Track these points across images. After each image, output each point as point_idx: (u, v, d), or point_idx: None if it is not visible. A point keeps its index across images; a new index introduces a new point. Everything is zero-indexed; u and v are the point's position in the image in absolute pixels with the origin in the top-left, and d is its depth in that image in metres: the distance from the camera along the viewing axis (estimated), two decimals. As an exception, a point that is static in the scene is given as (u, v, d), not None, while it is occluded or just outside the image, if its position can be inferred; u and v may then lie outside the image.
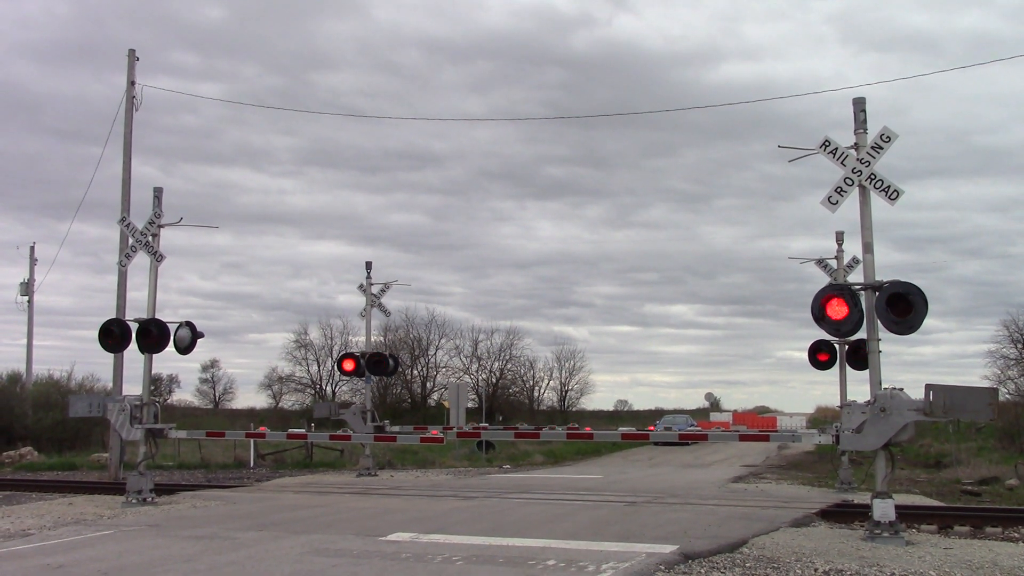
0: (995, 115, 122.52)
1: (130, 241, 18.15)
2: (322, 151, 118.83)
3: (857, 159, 12.52)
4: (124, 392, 22.91)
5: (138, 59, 25.89)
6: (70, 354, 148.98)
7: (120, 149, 25.80)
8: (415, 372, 70.27)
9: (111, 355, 23.05)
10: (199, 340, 17.67)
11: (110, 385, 26.72)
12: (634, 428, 66.68)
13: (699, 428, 57.04)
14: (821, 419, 68.99)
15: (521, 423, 53.46)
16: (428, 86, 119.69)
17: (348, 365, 26.12)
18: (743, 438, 14.25)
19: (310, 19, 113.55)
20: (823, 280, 21.58)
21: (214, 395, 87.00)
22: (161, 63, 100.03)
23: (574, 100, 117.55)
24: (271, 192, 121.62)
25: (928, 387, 11.74)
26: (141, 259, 18.41)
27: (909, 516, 14.20)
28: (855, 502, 16.87)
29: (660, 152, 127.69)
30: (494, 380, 71.62)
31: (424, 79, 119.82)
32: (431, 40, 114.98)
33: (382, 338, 63.84)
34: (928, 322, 12.10)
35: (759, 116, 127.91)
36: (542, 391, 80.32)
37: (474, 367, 72.82)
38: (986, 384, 46.95)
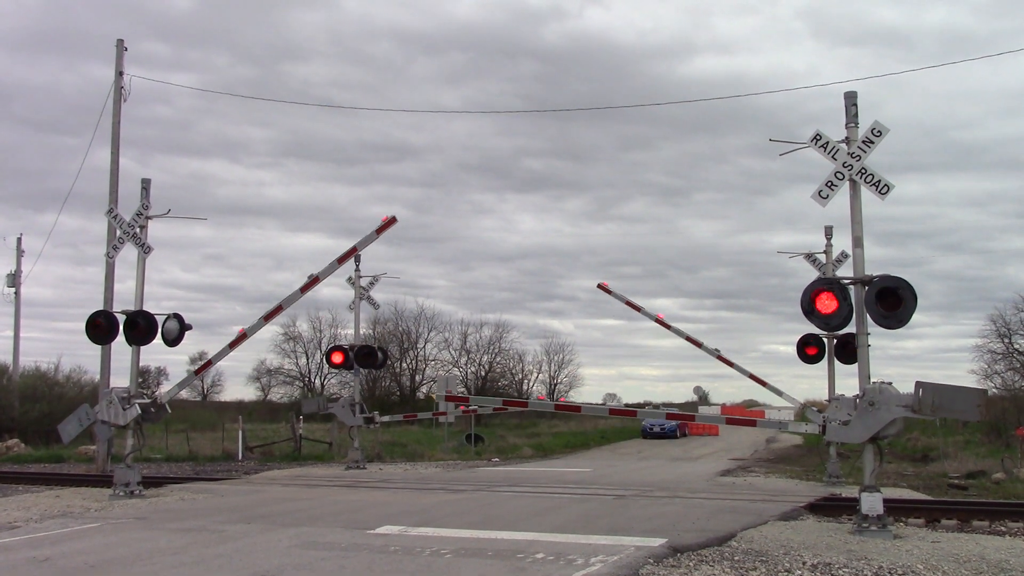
0: (970, 111, 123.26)
1: (118, 233, 18.03)
2: (298, 143, 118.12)
3: (848, 153, 12.53)
4: (112, 384, 22.81)
5: (126, 49, 25.72)
6: (53, 346, 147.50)
7: (98, 140, 25.80)
8: (404, 365, 70.08)
9: (98, 347, 22.93)
10: (187, 332, 17.58)
11: (97, 377, 26.64)
12: (621, 419, 66.74)
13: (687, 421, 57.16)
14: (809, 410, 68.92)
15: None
16: (401, 78, 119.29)
17: (337, 358, 26.09)
18: (729, 421, 14.28)
19: (280, 9, 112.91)
20: (807, 274, 21.73)
21: (202, 387, 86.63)
22: (131, 53, 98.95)
23: (549, 92, 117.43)
24: (249, 184, 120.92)
25: (918, 384, 11.77)
26: (124, 251, 18.33)
27: (897, 510, 14.26)
28: (843, 496, 16.92)
29: (638, 145, 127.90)
30: (483, 373, 71.50)
31: (397, 70, 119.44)
32: (403, 31, 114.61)
33: (371, 331, 63.67)
34: (913, 317, 12.13)
35: (735, 110, 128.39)
36: (531, 384, 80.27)
37: (463, 360, 72.71)
38: (973, 379, 47.28)
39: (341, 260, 17.96)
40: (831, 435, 12.71)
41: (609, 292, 22.95)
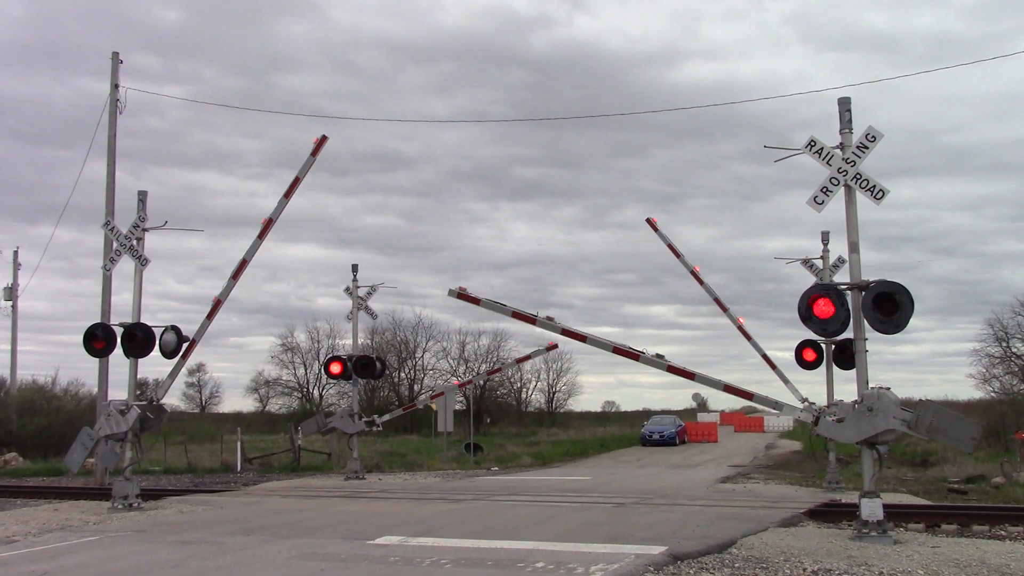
0: (959, 115, 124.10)
1: (114, 245, 18.03)
2: (290, 152, 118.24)
3: (843, 159, 12.55)
4: (110, 397, 22.75)
5: (122, 62, 25.73)
6: (49, 359, 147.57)
7: (93, 152, 25.88)
8: (402, 375, 69.96)
9: (96, 360, 22.86)
10: (184, 344, 17.57)
11: (95, 390, 26.57)
12: (620, 429, 66.69)
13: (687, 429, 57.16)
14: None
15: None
16: (391, 87, 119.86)
17: (335, 368, 26.07)
18: (727, 389, 14.12)
19: (268, 20, 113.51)
20: (802, 279, 21.75)
21: (200, 399, 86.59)
22: (123, 66, 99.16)
23: (540, 100, 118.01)
24: (242, 195, 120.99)
25: (921, 403, 11.87)
26: (120, 263, 18.33)
27: (897, 515, 14.25)
28: (843, 501, 16.92)
29: (630, 152, 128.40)
30: (482, 382, 71.48)
31: (387, 80, 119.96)
32: (391, 41, 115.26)
33: (369, 341, 63.61)
34: (910, 322, 12.15)
35: (727, 116, 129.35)
36: (530, 393, 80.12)
37: (461, 369, 72.63)
38: (971, 383, 47.38)
39: (287, 195, 18.32)
40: (822, 429, 12.73)
41: (656, 230, 22.56)
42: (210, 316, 17.74)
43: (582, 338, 15.18)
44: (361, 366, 25.84)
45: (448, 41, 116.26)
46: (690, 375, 14.56)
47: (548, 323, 15.17)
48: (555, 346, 26.90)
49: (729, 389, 14.28)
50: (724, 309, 22.19)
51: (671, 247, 22.38)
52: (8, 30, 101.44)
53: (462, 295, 15.57)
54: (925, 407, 11.77)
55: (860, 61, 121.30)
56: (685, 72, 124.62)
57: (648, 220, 22.78)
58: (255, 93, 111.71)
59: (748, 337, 21.86)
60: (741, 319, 22.07)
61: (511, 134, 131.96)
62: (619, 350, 14.66)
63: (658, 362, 14.51)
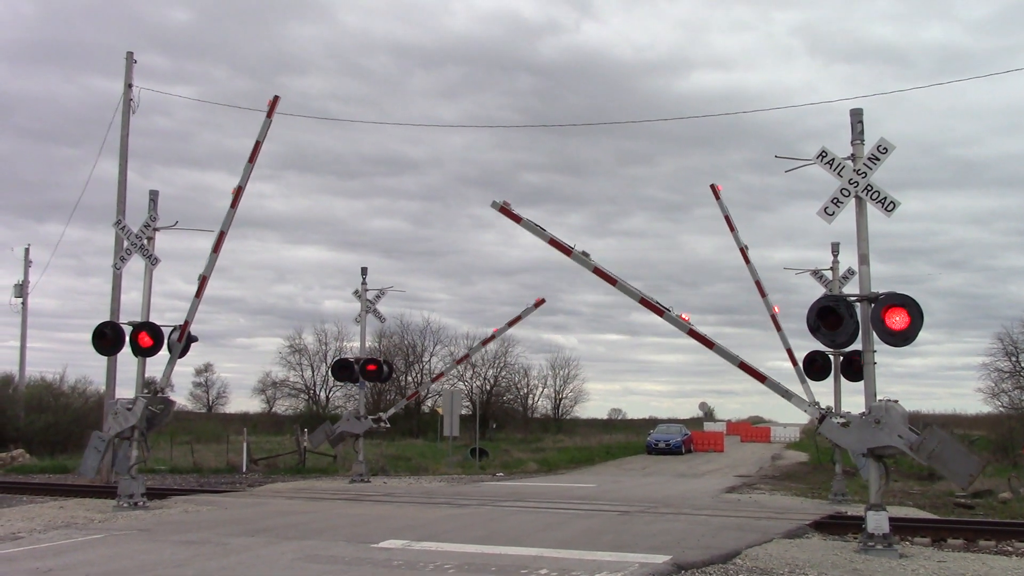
0: (968, 128, 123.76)
1: (125, 244, 18.09)
2: (299, 155, 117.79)
3: (854, 170, 12.52)
4: (117, 396, 22.83)
5: (135, 61, 25.84)
6: (56, 356, 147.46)
7: (103, 151, 25.92)
8: (409, 378, 70.00)
9: (103, 358, 22.93)
10: (192, 344, 17.61)
11: (103, 388, 26.64)
12: (627, 436, 66.58)
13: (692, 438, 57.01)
14: (814, 429, 68.37)
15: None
16: (399, 91, 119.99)
17: (342, 371, 26.04)
18: (742, 366, 14.11)
19: (277, 22, 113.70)
20: (810, 290, 21.59)
21: (208, 399, 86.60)
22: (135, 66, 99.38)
23: (547, 107, 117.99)
24: (250, 196, 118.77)
25: (929, 428, 11.85)
26: (130, 262, 18.41)
27: (903, 529, 14.18)
28: (849, 514, 16.85)
29: (637, 160, 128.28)
30: (488, 387, 71.38)
31: (395, 84, 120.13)
32: (400, 45, 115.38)
33: (376, 344, 63.68)
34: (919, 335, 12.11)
35: (734, 125, 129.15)
36: (536, 399, 79.99)
37: (468, 374, 72.54)
38: (980, 397, 47.17)
39: (251, 159, 18.56)
40: (826, 429, 12.72)
41: (718, 198, 22.11)
42: (198, 294, 17.89)
43: (612, 281, 15.36)
44: (368, 369, 25.82)
45: (456, 46, 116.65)
46: (710, 343, 14.61)
47: (582, 258, 15.39)
48: (542, 301, 26.48)
49: (744, 367, 14.27)
50: (763, 295, 21.84)
51: (727, 219, 21.99)
52: (18, 28, 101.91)
53: (504, 210, 15.78)
54: (932, 434, 11.71)
55: (868, 73, 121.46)
56: (692, 81, 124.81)
57: (712, 187, 22.32)
58: (264, 94, 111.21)
59: (779, 328, 21.56)
60: (776, 308, 21.72)
61: (518, 140, 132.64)
62: (646, 302, 14.85)
63: (681, 323, 14.59)
